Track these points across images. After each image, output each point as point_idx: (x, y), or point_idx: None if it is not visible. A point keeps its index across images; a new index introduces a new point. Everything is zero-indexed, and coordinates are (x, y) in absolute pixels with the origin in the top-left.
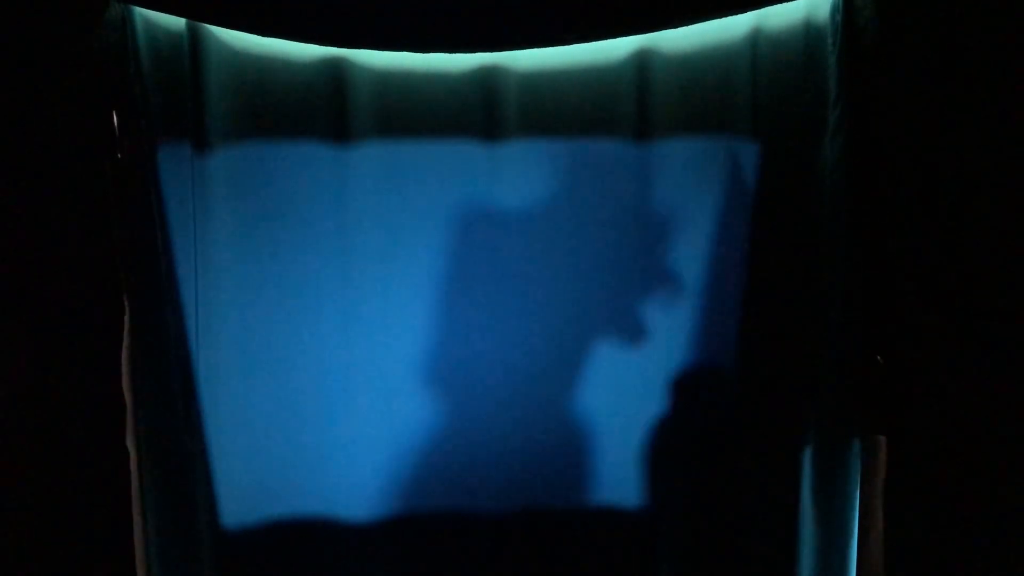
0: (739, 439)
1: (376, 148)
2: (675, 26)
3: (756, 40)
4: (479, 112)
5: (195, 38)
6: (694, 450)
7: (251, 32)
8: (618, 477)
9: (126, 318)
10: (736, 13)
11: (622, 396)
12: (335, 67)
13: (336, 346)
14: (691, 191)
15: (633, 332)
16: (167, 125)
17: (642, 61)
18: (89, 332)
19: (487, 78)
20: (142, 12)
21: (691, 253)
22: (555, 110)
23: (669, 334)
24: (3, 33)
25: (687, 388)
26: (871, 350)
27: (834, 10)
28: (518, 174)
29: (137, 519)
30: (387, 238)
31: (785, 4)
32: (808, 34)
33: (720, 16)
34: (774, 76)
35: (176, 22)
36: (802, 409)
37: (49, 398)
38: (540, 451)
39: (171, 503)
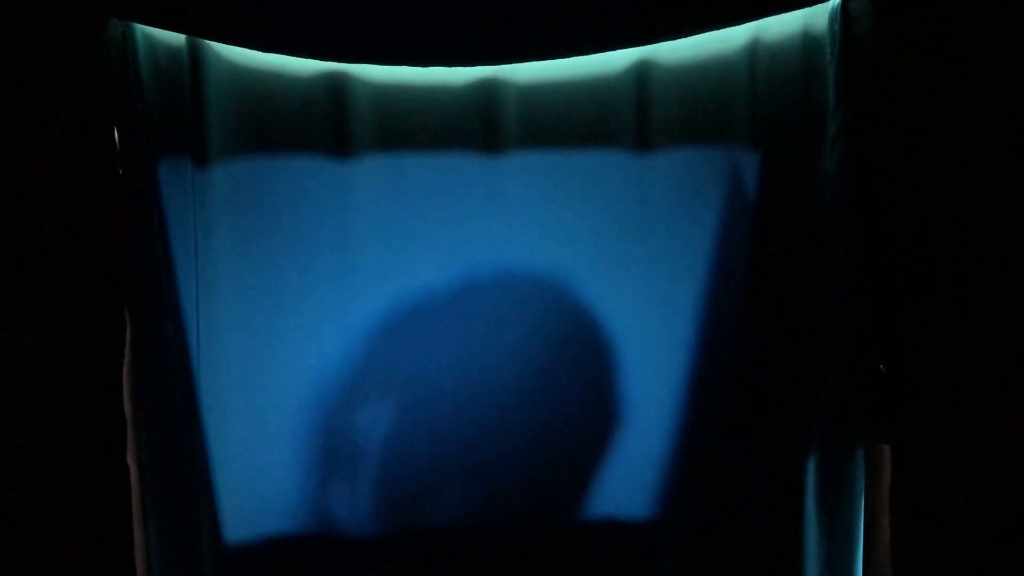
0: (742, 448)
1: (376, 162)
2: (674, 37)
3: (755, 50)
4: (479, 125)
5: (195, 54)
6: (697, 459)
7: (251, 48)
8: (621, 486)
9: (127, 333)
10: (735, 24)
11: (624, 406)
12: (335, 81)
13: (338, 361)
14: (691, 201)
15: (635, 342)
16: (168, 141)
17: (641, 72)
18: (90, 347)
19: (487, 91)
20: (143, 29)
21: (692, 263)
22: (555, 122)
23: (671, 343)
24: (4, 49)
25: (690, 398)
26: (874, 359)
27: (832, 20)
28: (518, 186)
29: (138, 535)
30: (388, 251)
31: (784, 15)
32: (807, 44)
33: (719, 27)
34: (773, 86)
35: (176, 38)
36: (805, 418)
37: (50, 413)
38: (542, 462)
39: (172, 519)
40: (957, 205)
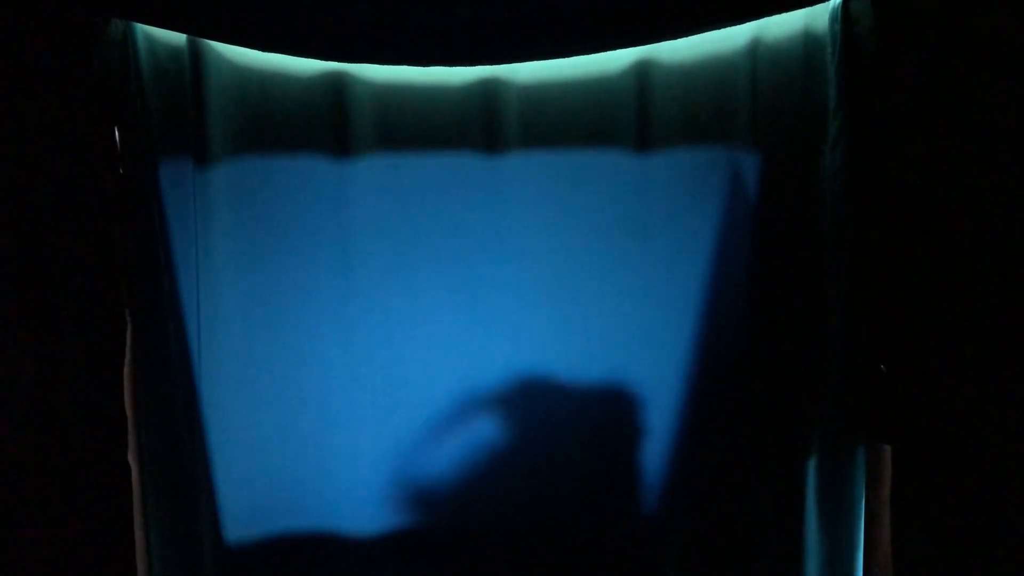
0: (743, 449)
1: (377, 161)
2: (675, 37)
3: (756, 50)
4: (480, 124)
5: (196, 54)
6: (699, 460)
7: (252, 47)
8: (622, 487)
9: (128, 332)
10: (735, 24)
11: (625, 406)
12: (336, 81)
13: (338, 360)
14: (692, 201)
15: (636, 343)
16: (169, 140)
17: (642, 72)
18: (91, 346)
19: (487, 90)
20: (143, 28)
21: (693, 263)
22: (555, 122)
23: (671, 344)
24: (5, 50)
25: (691, 398)
26: (874, 359)
27: (833, 19)
28: (519, 186)
29: (139, 534)
30: (389, 251)
31: (784, 14)
32: (807, 44)
33: (720, 27)
34: (774, 86)
35: (177, 38)
36: (806, 419)
37: (51, 412)
38: (543, 461)
39: (173, 518)
40: (957, 205)
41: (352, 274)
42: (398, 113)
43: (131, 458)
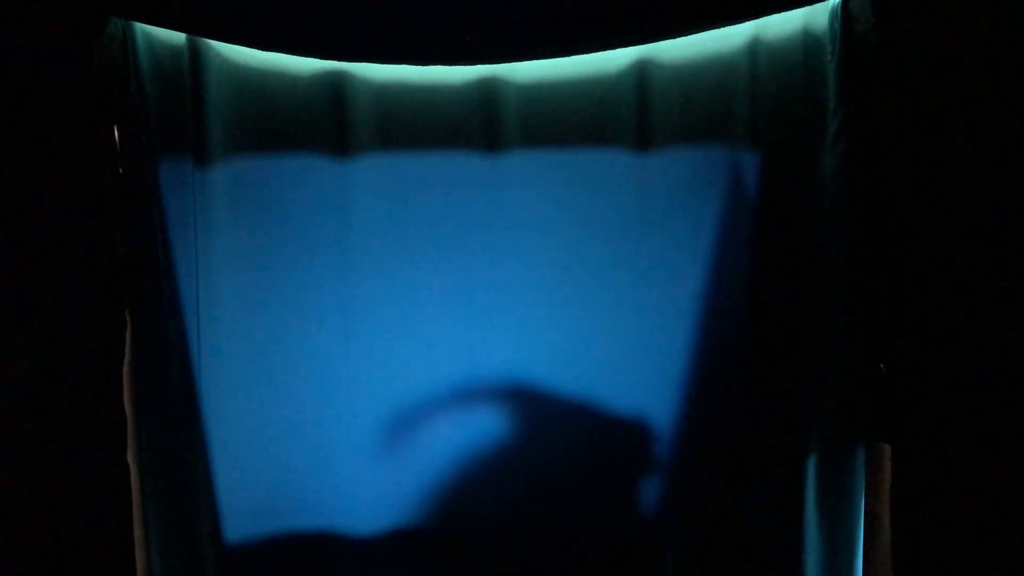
0: (743, 448)
1: (376, 161)
2: (674, 36)
3: (755, 49)
4: (479, 124)
5: (196, 53)
6: (698, 459)
7: (251, 46)
8: (622, 486)
9: (128, 332)
10: (735, 23)
11: (625, 406)
12: (335, 80)
13: (338, 359)
14: (691, 200)
15: (636, 342)
16: (168, 139)
17: (642, 71)
18: (91, 346)
19: (487, 90)
20: (143, 27)
21: (692, 262)
22: (555, 121)
23: (671, 344)
24: (4, 49)
25: (690, 398)
26: (874, 358)
27: (833, 18)
28: (518, 185)
29: (139, 534)
30: (388, 251)
31: (784, 13)
32: (807, 43)
33: (719, 26)
34: (774, 85)
35: (177, 37)
36: (806, 418)
37: (50, 412)
38: (543, 460)
39: (173, 518)
40: (957, 204)
41: (352, 273)
42: (398, 112)
43: (131, 458)
